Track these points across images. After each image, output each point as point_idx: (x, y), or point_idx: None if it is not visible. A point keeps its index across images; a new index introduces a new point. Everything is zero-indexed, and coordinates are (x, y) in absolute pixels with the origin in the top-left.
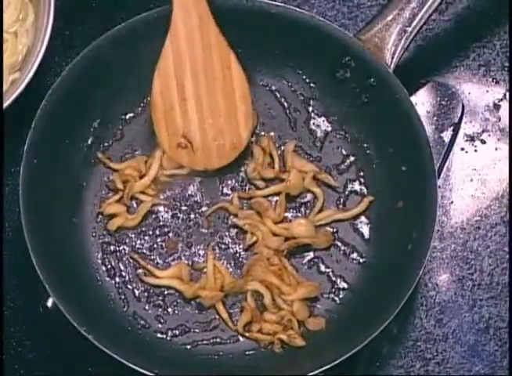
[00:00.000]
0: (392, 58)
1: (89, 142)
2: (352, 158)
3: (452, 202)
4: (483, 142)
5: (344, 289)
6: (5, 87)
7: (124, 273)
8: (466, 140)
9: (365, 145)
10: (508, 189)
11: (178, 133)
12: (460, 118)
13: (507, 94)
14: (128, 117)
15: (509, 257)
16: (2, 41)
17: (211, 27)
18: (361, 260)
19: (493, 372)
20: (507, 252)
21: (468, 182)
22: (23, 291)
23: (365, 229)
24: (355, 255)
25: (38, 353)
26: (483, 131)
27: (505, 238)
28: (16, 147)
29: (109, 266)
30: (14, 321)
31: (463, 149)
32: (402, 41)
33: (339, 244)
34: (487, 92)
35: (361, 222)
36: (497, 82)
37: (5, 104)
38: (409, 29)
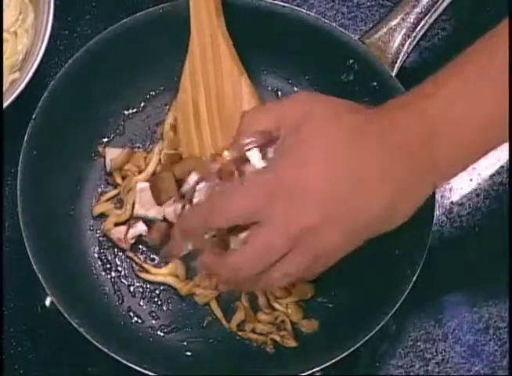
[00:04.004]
0: (395, 62)
1: (90, 135)
2: None
3: (452, 202)
4: None
5: (339, 291)
6: (4, 87)
7: (120, 268)
8: None
9: None
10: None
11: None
12: None
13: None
14: (130, 112)
15: (509, 257)
16: (2, 41)
17: (223, 52)
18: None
19: (493, 372)
20: (508, 252)
21: (468, 181)
22: (22, 290)
23: None
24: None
25: (38, 353)
26: None
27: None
28: (16, 147)
29: (105, 261)
30: (14, 321)
31: None
32: (406, 46)
33: None
34: None
35: None
36: None
37: (5, 104)
38: (413, 34)
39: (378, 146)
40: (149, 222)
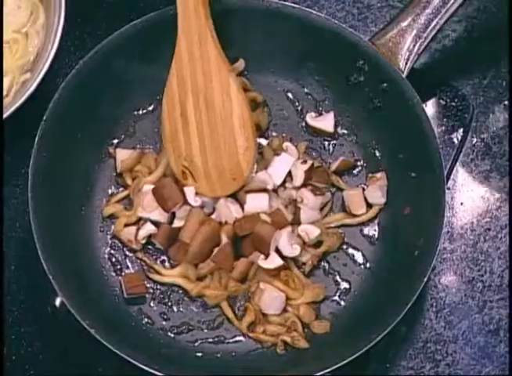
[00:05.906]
0: (406, 63)
1: (100, 136)
2: (362, 162)
3: (461, 203)
4: (493, 143)
5: (349, 292)
6: (15, 88)
7: (130, 269)
8: (476, 142)
9: (375, 149)
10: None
11: (182, 156)
12: (470, 120)
13: None
14: (140, 113)
15: (509, 257)
16: (2, 42)
17: (212, 52)
18: (367, 264)
19: (503, 373)
20: None
21: (478, 183)
22: (32, 291)
23: (373, 234)
24: (361, 259)
25: (48, 354)
26: (493, 133)
27: None
28: (27, 148)
29: (115, 262)
30: (24, 322)
31: (473, 150)
32: (416, 47)
33: (346, 247)
34: (497, 93)
35: (368, 227)
36: (507, 83)
37: (16, 105)
38: (424, 35)
39: None
40: (158, 223)
